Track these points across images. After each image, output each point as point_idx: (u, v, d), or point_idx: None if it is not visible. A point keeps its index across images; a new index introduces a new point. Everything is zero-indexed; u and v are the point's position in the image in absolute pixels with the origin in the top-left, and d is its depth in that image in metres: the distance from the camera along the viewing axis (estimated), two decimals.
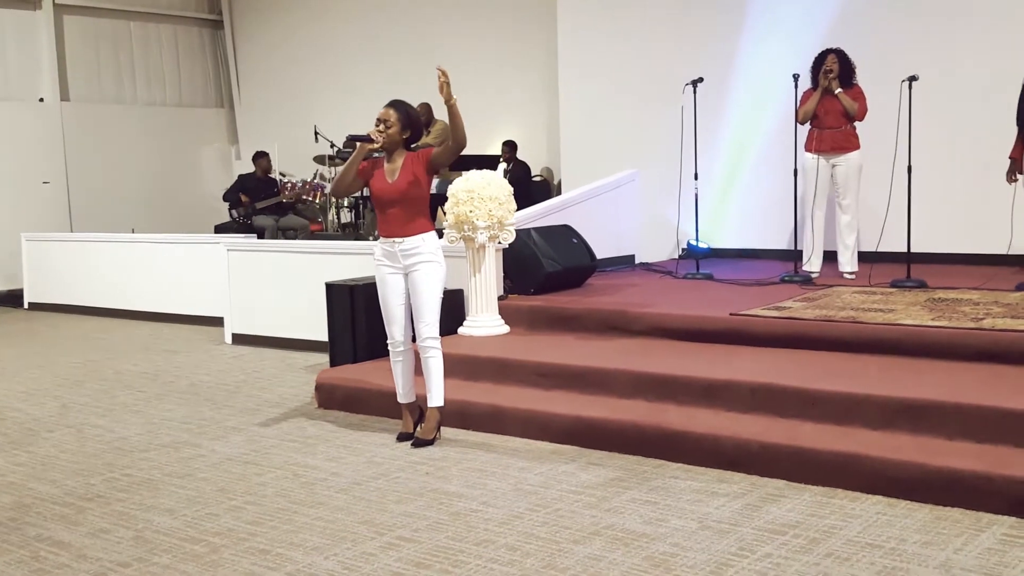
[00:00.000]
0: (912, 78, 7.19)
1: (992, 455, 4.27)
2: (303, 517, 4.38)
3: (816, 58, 7.86)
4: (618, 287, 7.95)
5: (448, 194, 7.00)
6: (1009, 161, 7.21)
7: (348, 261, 8.05)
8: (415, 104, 5.60)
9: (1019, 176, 7.13)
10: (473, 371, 6.24)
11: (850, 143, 7.77)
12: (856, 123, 7.77)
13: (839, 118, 7.73)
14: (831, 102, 7.74)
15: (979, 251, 8.36)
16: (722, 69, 9.62)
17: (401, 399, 5.64)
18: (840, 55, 7.77)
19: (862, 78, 7.85)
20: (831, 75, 7.71)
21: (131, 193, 14.71)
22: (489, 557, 3.82)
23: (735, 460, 4.74)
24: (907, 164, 7.16)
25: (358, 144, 5.34)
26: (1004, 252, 7.76)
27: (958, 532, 3.88)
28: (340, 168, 5.51)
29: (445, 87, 5.11)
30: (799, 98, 7.82)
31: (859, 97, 7.73)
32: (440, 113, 10.50)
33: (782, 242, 9.24)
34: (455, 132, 5.22)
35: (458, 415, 5.70)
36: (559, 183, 11.66)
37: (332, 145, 12.44)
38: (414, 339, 5.48)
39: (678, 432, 4.97)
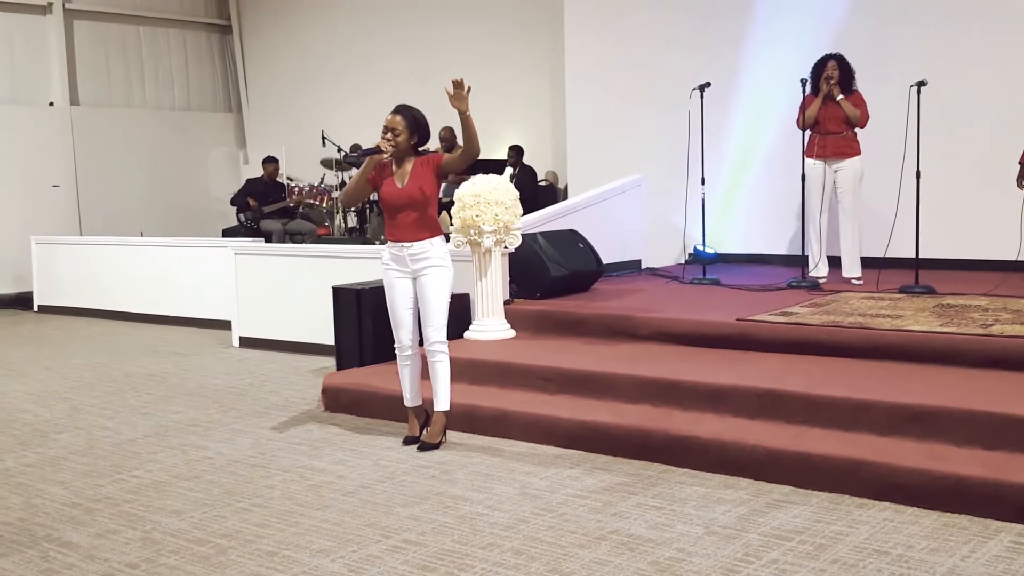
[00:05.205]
0: (921, 83, 7.18)
1: (1000, 462, 4.26)
2: (309, 520, 4.39)
3: (816, 64, 7.85)
4: (624, 292, 7.95)
5: (455, 198, 7.01)
6: (1019, 166, 7.20)
7: (355, 265, 8.07)
8: (439, 128, 5.61)
9: None
10: (479, 375, 6.24)
11: (851, 149, 7.78)
12: (858, 129, 7.77)
13: (840, 124, 7.73)
14: (832, 108, 7.73)
15: (988, 257, 8.35)
16: (729, 74, 9.62)
17: (408, 403, 5.64)
18: (840, 60, 7.76)
19: (870, 83, 7.84)
20: (831, 81, 7.70)
21: (140, 197, 14.78)
22: (495, 561, 3.82)
23: (741, 465, 4.74)
24: (916, 170, 7.14)
25: (368, 157, 5.35)
26: (1013, 258, 7.74)
27: (965, 539, 3.87)
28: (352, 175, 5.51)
29: (464, 99, 5.12)
30: (801, 104, 7.82)
31: (860, 103, 7.73)
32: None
33: (789, 247, 9.24)
34: (469, 142, 5.22)
35: (464, 419, 5.71)
36: (565, 188, 11.67)
37: (339, 149, 12.47)
38: (421, 343, 5.49)
39: (684, 437, 4.96)
